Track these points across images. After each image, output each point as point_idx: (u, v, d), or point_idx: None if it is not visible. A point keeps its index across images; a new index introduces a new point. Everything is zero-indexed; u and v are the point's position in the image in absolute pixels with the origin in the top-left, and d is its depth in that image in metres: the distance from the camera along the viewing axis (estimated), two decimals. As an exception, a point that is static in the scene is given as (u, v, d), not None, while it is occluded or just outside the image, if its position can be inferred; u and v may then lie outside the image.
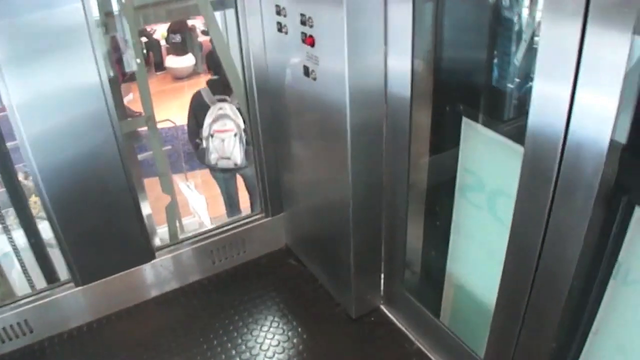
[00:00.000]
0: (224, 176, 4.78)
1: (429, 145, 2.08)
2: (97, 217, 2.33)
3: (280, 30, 2.12)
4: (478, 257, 2.10)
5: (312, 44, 1.95)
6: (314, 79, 2.00)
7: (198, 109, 4.53)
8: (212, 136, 4.36)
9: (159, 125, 3.02)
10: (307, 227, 2.71)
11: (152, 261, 2.59)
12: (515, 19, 1.84)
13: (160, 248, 2.64)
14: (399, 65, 1.86)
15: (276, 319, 2.56)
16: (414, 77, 1.85)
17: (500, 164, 1.82)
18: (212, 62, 5.26)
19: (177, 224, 3.51)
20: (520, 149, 1.52)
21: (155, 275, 2.63)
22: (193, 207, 5.33)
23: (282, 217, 2.85)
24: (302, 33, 1.97)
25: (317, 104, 2.07)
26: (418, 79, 1.90)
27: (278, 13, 2.10)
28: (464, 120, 1.92)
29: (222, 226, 2.79)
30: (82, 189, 2.23)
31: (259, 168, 2.71)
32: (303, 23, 1.94)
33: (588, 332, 1.70)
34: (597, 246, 1.48)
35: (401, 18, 1.78)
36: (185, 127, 4.91)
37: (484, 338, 1.99)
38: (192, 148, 4.83)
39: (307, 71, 2.03)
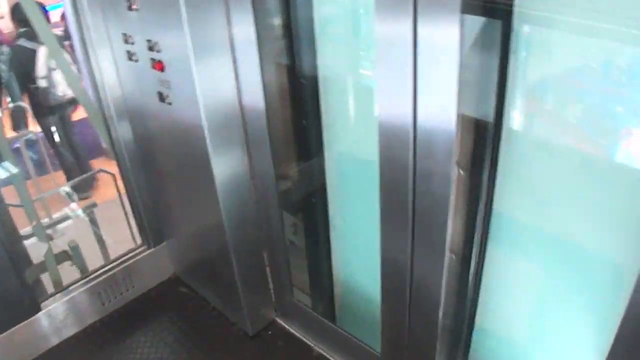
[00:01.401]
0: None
1: (295, 153, 2.10)
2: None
3: (130, 58, 2.08)
4: (359, 255, 2.14)
5: (162, 69, 1.92)
6: (170, 103, 1.98)
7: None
8: (53, 70, 4.48)
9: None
10: (190, 253, 2.67)
11: (39, 313, 2.45)
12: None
13: (46, 298, 2.50)
14: (250, 78, 1.88)
15: (175, 350, 2.50)
16: (267, 88, 1.86)
17: (363, 161, 1.86)
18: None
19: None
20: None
21: (46, 327, 2.50)
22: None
23: (165, 246, 2.79)
24: (151, 59, 1.94)
25: (176, 128, 2.05)
26: (272, 89, 1.91)
27: (126, 41, 2.05)
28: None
29: (105, 265, 2.68)
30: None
31: (132, 200, 2.64)
32: (151, 49, 1.91)
33: (475, 309, 1.77)
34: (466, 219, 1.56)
35: (245, 31, 1.79)
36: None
37: (379, 332, 2.03)
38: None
39: (162, 97, 2.00)
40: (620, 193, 1.31)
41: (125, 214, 3.21)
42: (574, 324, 1.61)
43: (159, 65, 1.92)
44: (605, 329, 1.39)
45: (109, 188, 4.04)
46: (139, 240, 2.81)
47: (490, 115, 1.44)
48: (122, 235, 3.33)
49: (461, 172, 1.53)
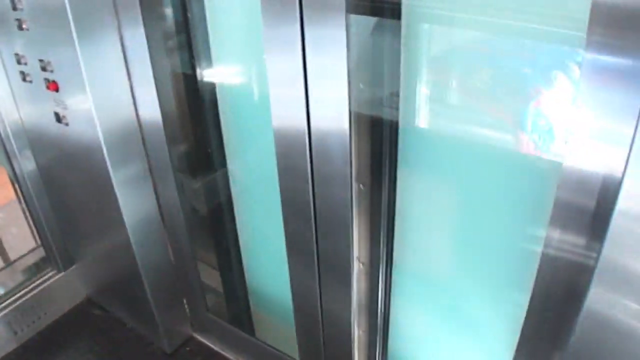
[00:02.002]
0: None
1: (198, 165, 2.10)
2: None
3: (24, 79, 2.03)
4: (270, 264, 2.16)
5: (57, 89, 1.89)
6: (67, 124, 1.94)
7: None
8: None
9: None
10: (101, 274, 2.61)
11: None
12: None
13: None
14: (146, 93, 1.86)
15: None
16: (164, 101, 1.87)
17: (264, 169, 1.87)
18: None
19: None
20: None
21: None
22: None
23: (75, 269, 2.72)
24: (45, 79, 1.90)
25: (75, 149, 2.01)
26: (170, 102, 1.92)
27: (19, 62, 2.00)
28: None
29: (14, 293, 2.58)
30: None
31: (38, 225, 2.56)
32: (44, 69, 1.88)
33: (388, 313, 1.83)
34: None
35: (137, 45, 1.78)
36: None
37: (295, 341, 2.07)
38: None
39: (58, 118, 1.96)
40: (525, 191, 1.36)
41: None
42: (484, 323, 1.68)
43: (53, 86, 1.88)
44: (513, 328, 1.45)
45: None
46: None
47: (386, 113, 1.47)
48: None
49: (361, 186, 1.56)
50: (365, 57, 1.40)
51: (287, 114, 1.47)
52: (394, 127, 1.46)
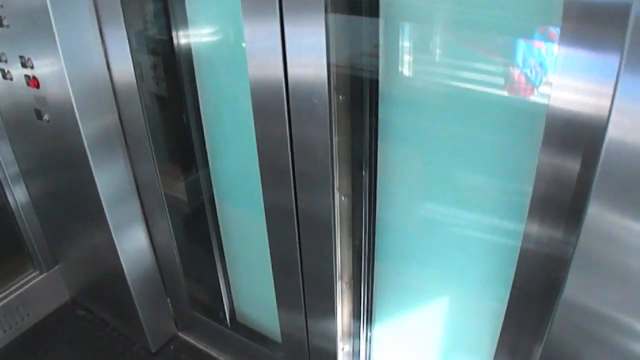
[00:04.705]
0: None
1: (180, 160, 2.09)
2: None
3: (5, 77, 2.02)
4: (252, 257, 2.16)
5: (37, 86, 1.88)
6: (48, 121, 1.93)
7: None
8: None
9: None
10: (84, 274, 2.60)
11: None
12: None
13: None
14: (127, 89, 1.86)
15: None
16: (145, 94, 1.86)
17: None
18: None
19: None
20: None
21: None
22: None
23: (58, 269, 2.70)
24: (26, 76, 1.89)
25: (56, 146, 2.00)
26: (151, 95, 1.93)
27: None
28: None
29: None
30: None
31: (20, 225, 2.54)
32: (24, 65, 1.87)
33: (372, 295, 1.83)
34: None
35: (118, 39, 1.77)
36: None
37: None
38: None
39: (39, 114, 1.95)
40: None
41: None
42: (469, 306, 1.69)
43: (34, 82, 1.87)
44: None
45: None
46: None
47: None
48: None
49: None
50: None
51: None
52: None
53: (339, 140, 1.46)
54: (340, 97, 1.41)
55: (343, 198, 1.59)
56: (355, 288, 1.81)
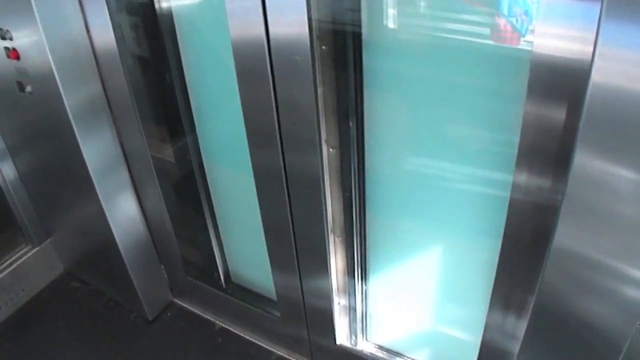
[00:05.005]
0: None
1: (166, 124, 2.08)
2: None
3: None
4: (240, 212, 2.17)
5: (18, 57, 1.85)
6: (30, 93, 1.91)
7: None
8: None
9: None
10: (77, 245, 2.60)
11: None
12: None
13: None
14: (106, 48, 1.83)
15: (77, 348, 2.45)
16: (127, 63, 1.84)
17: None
18: None
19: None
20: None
21: None
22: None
23: (50, 243, 2.70)
24: (5, 48, 1.86)
25: (41, 117, 1.99)
26: (135, 65, 1.91)
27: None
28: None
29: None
30: None
31: (9, 200, 2.53)
32: (3, 37, 1.83)
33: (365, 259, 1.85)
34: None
35: (95, 0, 1.74)
36: None
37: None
38: None
39: (21, 87, 1.92)
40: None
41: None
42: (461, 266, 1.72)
43: (14, 54, 1.85)
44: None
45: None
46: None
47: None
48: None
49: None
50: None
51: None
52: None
53: (324, 91, 1.46)
54: (323, 47, 1.40)
55: (331, 150, 1.59)
56: (348, 241, 1.82)
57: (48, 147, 2.14)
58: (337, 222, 1.77)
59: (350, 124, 1.56)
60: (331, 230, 1.75)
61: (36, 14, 1.67)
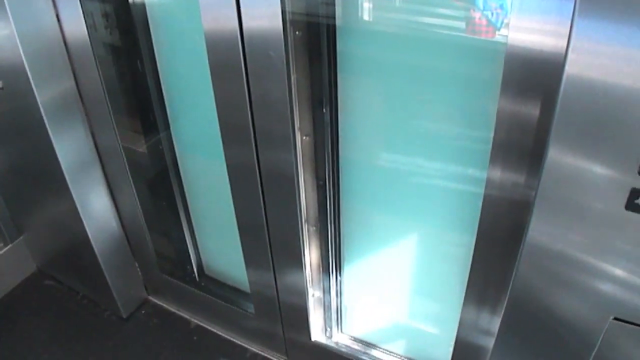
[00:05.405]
0: None
1: (140, 119, 2.05)
2: None
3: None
4: (214, 207, 2.16)
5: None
6: (2, 88, 1.87)
7: None
8: None
9: None
10: (50, 243, 2.57)
11: None
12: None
13: None
14: (79, 42, 1.80)
15: (50, 348, 2.41)
16: (97, 48, 1.80)
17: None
18: None
19: None
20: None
21: None
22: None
23: (22, 240, 2.66)
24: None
25: (13, 114, 1.96)
26: (109, 64, 1.88)
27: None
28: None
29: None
30: None
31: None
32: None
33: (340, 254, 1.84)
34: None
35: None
36: None
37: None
38: None
39: (-9, 81, 1.88)
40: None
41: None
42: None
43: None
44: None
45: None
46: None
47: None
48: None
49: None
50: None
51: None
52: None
53: (297, 78, 1.45)
54: (297, 32, 1.39)
55: (305, 137, 1.58)
56: (323, 231, 1.82)
57: (20, 144, 2.10)
58: (311, 211, 1.77)
59: (324, 109, 1.55)
60: (305, 220, 1.74)
61: (7, 5, 1.63)
